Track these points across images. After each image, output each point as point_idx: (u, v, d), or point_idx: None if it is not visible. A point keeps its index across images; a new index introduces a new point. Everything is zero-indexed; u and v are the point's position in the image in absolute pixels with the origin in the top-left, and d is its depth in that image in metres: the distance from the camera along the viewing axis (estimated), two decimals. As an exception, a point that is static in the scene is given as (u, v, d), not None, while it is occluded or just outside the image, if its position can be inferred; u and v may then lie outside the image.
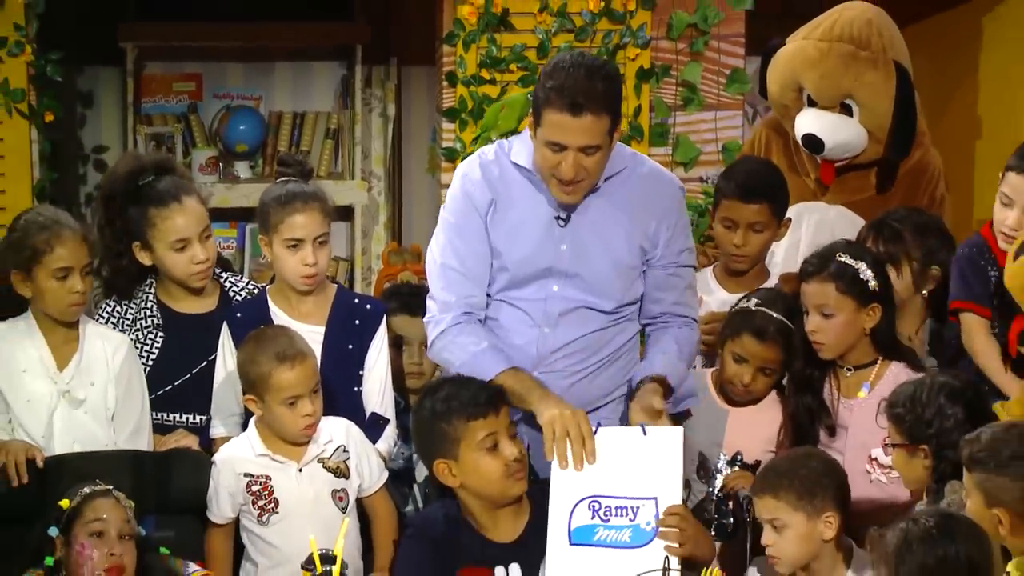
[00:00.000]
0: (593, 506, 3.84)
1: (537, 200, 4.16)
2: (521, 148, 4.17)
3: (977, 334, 4.42)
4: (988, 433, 3.42)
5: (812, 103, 5.12)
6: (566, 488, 3.86)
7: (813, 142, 5.09)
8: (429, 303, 4.24)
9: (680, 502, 3.86)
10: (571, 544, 3.81)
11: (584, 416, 3.94)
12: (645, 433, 3.87)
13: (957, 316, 4.48)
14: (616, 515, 3.84)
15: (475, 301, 4.20)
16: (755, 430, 4.39)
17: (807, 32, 5.17)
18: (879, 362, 4.29)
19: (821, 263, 4.28)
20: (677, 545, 3.79)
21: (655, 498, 3.83)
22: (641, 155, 4.35)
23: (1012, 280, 3.86)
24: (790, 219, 4.87)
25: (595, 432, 3.89)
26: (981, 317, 4.41)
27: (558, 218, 4.16)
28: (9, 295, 4.36)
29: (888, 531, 3.44)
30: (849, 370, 4.31)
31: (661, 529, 3.80)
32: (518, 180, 4.18)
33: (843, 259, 4.26)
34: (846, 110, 5.08)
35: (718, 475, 4.34)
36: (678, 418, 4.26)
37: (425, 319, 4.26)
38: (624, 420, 4.09)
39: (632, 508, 3.83)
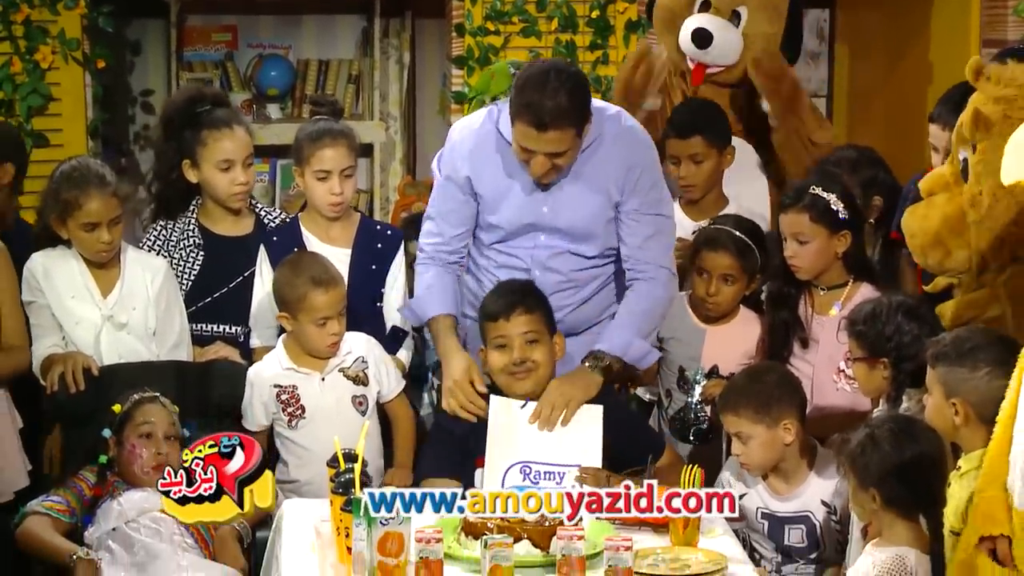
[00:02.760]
0: (524, 470, 3.82)
1: (521, 168, 4.01)
2: (507, 120, 3.98)
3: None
4: (952, 333, 3.34)
5: (705, 8, 4.94)
6: (501, 453, 3.82)
7: (702, 36, 4.88)
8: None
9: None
10: None
11: (468, 385, 3.91)
12: None
13: None
14: (544, 479, 3.83)
15: (446, 249, 4.14)
16: (731, 345, 4.30)
17: None
18: (850, 283, 4.19)
19: (796, 195, 4.18)
20: None
21: (578, 465, 3.80)
22: (618, 113, 4.14)
23: (904, 227, 3.76)
24: (733, 148, 4.74)
25: (523, 407, 3.86)
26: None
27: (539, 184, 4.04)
28: None
29: (852, 436, 3.39)
30: (823, 290, 4.20)
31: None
32: (504, 149, 4.03)
33: (816, 191, 4.14)
34: (736, 18, 4.92)
35: (696, 386, 4.27)
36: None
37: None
38: None
39: (559, 473, 3.82)
